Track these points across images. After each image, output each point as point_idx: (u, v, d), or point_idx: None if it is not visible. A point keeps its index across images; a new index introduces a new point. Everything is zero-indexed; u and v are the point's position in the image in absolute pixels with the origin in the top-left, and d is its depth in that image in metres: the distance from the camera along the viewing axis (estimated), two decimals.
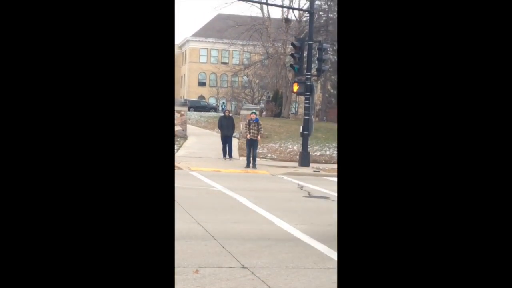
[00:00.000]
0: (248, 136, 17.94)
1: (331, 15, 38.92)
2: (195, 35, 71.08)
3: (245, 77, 54.41)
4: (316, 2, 28.58)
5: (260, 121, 18.70)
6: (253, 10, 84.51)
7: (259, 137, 18.16)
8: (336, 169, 18.20)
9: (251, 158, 17.72)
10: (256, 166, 17.74)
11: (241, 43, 43.93)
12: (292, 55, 20.31)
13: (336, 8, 35.16)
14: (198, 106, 51.31)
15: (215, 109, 54.50)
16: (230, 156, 19.76)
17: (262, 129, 18.93)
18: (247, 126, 18.29)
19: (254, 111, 19.38)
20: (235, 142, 22.45)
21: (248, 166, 17.58)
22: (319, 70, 20.11)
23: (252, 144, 17.85)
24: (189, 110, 33.42)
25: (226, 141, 19.83)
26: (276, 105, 42.04)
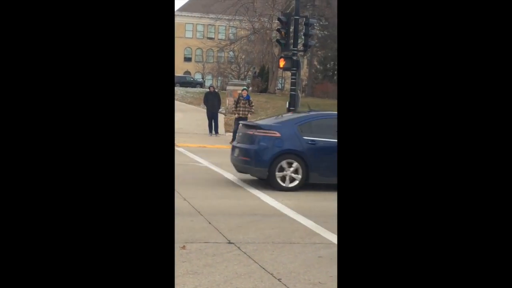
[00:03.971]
0: (237, 115, 17.47)
1: None
2: (181, 9, 70.35)
3: (231, 53, 54.09)
4: None
5: (251, 99, 18.42)
6: None
7: (249, 115, 17.82)
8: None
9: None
10: None
11: (227, 18, 43.56)
12: (278, 30, 20.16)
13: None
14: (184, 82, 50.92)
15: (201, 84, 54.22)
16: (216, 132, 19.70)
17: (253, 106, 18.52)
18: (236, 103, 17.97)
19: (245, 87, 19.04)
20: (221, 118, 22.38)
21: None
22: (306, 46, 19.98)
23: (241, 122, 17.62)
24: (174, 85, 33.20)
25: (212, 117, 19.73)
26: (262, 81, 41.91)
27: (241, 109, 17.44)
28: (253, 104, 18.28)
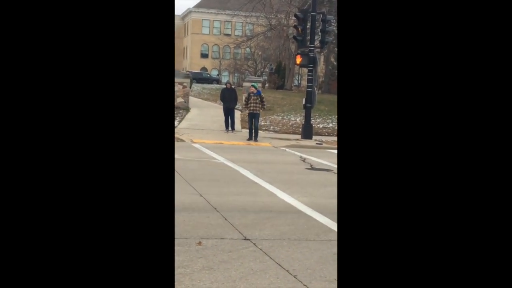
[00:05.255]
0: (248, 110, 17.80)
1: None
2: (198, 6, 70.48)
3: (248, 49, 54.13)
4: None
5: (262, 94, 18.50)
6: None
7: (261, 110, 17.94)
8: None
9: (253, 131, 17.65)
10: (258, 139, 17.64)
11: (243, 14, 43.60)
12: (295, 26, 20.14)
13: None
14: (200, 78, 51.06)
15: (217, 81, 54.30)
16: (233, 129, 19.74)
17: (265, 103, 18.62)
18: (247, 99, 18.13)
19: (254, 83, 19.15)
20: (237, 115, 22.40)
21: (250, 138, 17.54)
22: (323, 42, 20.00)
23: (253, 117, 17.73)
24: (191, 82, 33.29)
25: (229, 113, 19.78)
26: (279, 77, 41.88)
27: (252, 104, 17.56)
28: (264, 99, 18.32)
